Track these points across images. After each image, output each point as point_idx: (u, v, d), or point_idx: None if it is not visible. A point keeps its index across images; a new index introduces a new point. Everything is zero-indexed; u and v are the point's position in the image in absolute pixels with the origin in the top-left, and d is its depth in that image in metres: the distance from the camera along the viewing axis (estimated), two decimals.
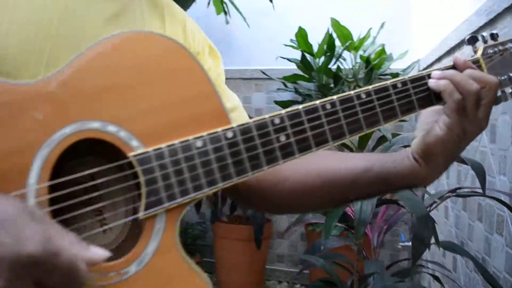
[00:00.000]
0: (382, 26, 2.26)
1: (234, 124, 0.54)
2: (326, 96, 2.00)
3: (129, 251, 0.49)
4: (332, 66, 2.28)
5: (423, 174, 0.62)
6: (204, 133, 0.52)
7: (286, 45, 2.40)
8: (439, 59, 1.94)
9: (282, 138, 0.55)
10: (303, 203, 0.73)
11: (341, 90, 2.23)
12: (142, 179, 0.49)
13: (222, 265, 2.63)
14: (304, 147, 0.56)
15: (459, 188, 1.40)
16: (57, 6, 0.59)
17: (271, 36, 2.63)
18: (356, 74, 2.27)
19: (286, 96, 2.51)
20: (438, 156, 0.61)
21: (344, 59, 2.29)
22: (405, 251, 2.40)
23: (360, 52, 2.27)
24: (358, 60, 2.28)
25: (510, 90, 0.66)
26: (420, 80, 0.62)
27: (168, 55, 0.54)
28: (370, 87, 0.60)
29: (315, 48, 2.31)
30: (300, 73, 2.35)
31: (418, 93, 0.62)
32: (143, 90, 0.52)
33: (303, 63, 2.25)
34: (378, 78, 2.25)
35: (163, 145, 0.50)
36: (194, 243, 2.76)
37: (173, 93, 0.54)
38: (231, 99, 0.76)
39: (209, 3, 2.08)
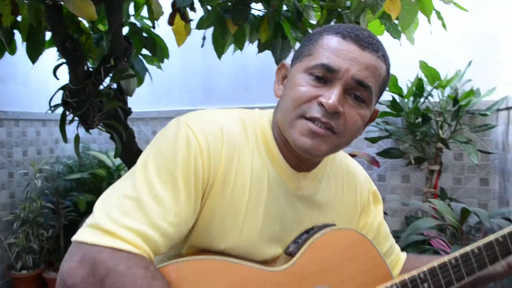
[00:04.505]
0: (469, 64, 2.36)
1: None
2: (414, 134, 2.07)
3: None
4: (421, 106, 2.40)
5: None
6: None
7: None
8: None
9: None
10: None
11: (431, 128, 2.35)
12: None
13: None
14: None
15: None
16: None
17: None
18: (444, 110, 2.37)
19: (375, 133, 2.63)
20: None
21: (431, 95, 2.39)
22: None
23: (448, 88, 2.39)
24: (446, 96, 2.38)
25: None
26: None
27: (358, 245, 0.81)
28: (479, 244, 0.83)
29: (405, 90, 2.45)
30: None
31: None
32: (344, 269, 0.78)
33: (394, 106, 2.40)
34: (465, 114, 2.34)
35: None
36: None
37: (362, 273, 0.80)
38: (388, 241, 0.93)
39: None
